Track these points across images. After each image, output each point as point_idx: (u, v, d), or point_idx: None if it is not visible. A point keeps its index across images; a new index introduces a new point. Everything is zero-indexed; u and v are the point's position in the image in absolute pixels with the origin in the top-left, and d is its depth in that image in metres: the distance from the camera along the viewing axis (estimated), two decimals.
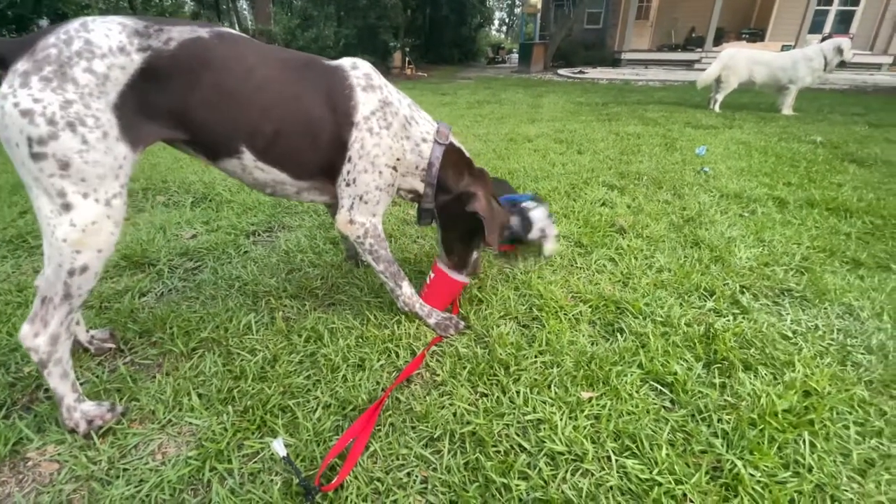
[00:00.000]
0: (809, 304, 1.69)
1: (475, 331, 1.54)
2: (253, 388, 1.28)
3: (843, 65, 5.65)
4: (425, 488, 1.02)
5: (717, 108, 6.32)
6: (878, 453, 1.10)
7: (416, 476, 1.04)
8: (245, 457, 1.09)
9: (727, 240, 2.17)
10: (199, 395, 1.26)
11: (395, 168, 1.43)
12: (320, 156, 1.34)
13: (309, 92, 1.28)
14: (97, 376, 1.33)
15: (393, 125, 1.38)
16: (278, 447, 1.00)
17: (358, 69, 1.37)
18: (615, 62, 17.51)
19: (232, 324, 1.56)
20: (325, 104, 1.30)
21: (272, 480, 1.03)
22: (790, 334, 1.50)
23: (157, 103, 1.11)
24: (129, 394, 1.27)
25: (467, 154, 1.59)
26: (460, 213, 1.50)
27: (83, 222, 1.03)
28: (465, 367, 1.37)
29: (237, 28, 19.20)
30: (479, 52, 25.83)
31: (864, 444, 1.12)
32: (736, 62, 6.05)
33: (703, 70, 6.33)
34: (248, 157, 1.28)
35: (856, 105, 7.11)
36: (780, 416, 1.17)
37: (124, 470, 1.06)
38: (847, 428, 1.16)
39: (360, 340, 1.49)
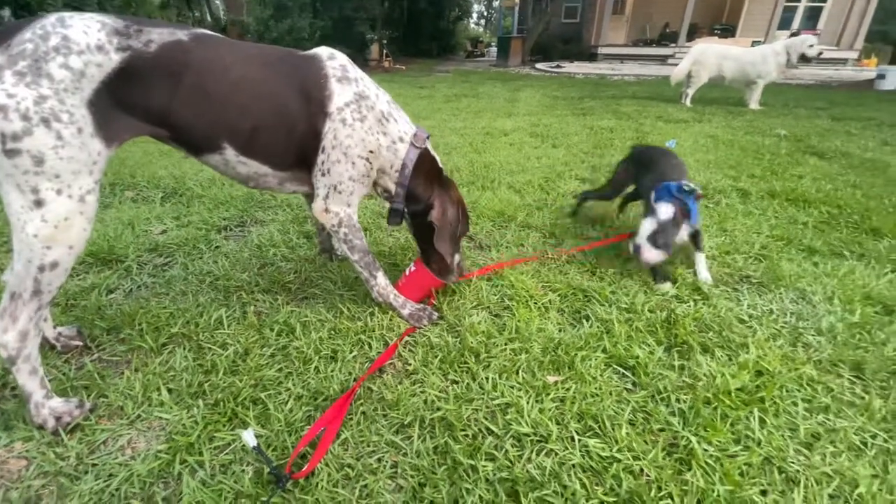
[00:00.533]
0: (766, 289, 1.78)
1: (448, 320, 1.57)
2: (224, 382, 1.28)
3: (806, 60, 5.86)
4: (395, 472, 1.05)
5: (688, 103, 6.49)
6: (823, 428, 1.18)
7: (387, 461, 1.07)
8: (216, 449, 1.10)
9: None
10: (169, 390, 1.26)
11: (368, 160, 1.44)
12: (298, 147, 1.36)
13: (285, 85, 1.30)
14: (64, 374, 1.31)
15: (368, 118, 1.39)
16: (248, 437, 1.01)
17: (335, 59, 1.38)
18: (592, 56, 17.73)
19: (203, 319, 1.55)
20: (300, 95, 1.31)
21: (243, 471, 1.04)
22: (746, 318, 1.58)
23: (134, 102, 1.11)
24: (97, 390, 1.26)
25: (440, 163, 1.61)
26: (429, 223, 1.54)
27: (55, 218, 1.02)
28: (436, 356, 1.39)
29: (209, 17, 18.65)
30: (458, 45, 25.74)
31: (811, 420, 1.20)
32: (706, 57, 6.21)
33: (677, 65, 6.47)
34: (229, 152, 1.30)
35: (820, 100, 7.40)
36: (733, 394, 1.24)
37: (93, 465, 1.06)
38: (795, 405, 1.23)
39: (333, 332, 1.50)
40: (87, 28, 1.03)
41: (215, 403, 1.21)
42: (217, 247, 2.13)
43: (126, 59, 1.07)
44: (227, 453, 1.09)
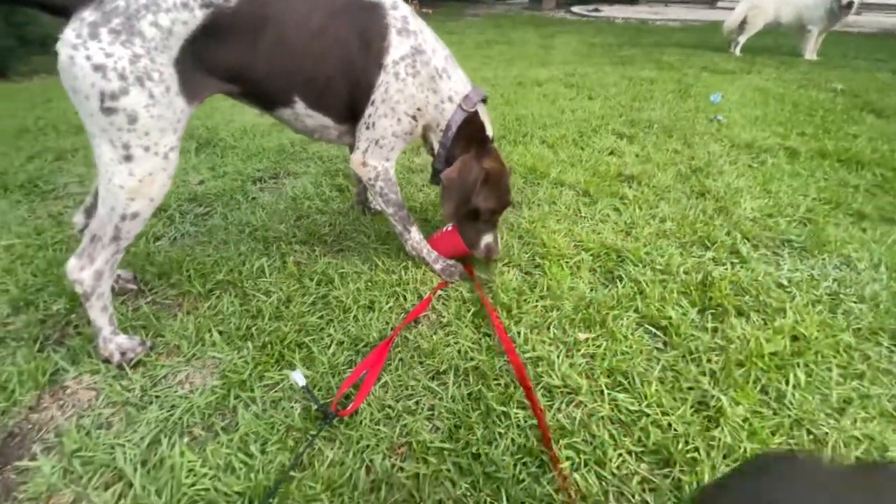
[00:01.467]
0: (808, 254, 1.72)
1: (479, 277, 1.60)
2: (270, 326, 1.36)
3: (846, 8, 5.25)
4: (432, 414, 1.12)
5: (737, 52, 6.02)
6: (857, 394, 1.18)
7: (424, 404, 1.14)
8: (266, 387, 1.19)
9: (734, 190, 2.17)
10: (220, 332, 1.35)
11: (413, 118, 1.42)
12: (355, 98, 1.36)
13: (351, 34, 1.28)
14: (122, 314, 1.41)
15: (420, 74, 1.36)
16: (297, 377, 1.09)
17: (397, 9, 1.34)
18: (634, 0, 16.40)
19: (245, 267, 1.62)
20: (362, 44, 1.29)
21: (292, 407, 1.13)
22: (785, 283, 1.55)
23: (216, 59, 1.14)
24: (154, 330, 1.36)
25: (489, 129, 1.52)
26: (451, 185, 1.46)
27: (141, 173, 1.08)
28: (469, 310, 1.43)
29: None
30: None
31: (845, 386, 1.20)
32: (764, 2, 5.68)
33: (727, 9, 5.96)
34: (300, 105, 1.33)
35: (882, 50, 6.73)
36: (766, 358, 1.24)
37: (156, 397, 1.16)
38: (830, 370, 1.23)
39: (370, 284, 1.55)
40: None
41: (263, 346, 1.29)
42: (253, 198, 2.18)
43: (209, 16, 1.08)
44: (276, 391, 1.17)
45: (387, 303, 1.47)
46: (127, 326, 1.36)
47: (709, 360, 1.25)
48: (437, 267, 1.61)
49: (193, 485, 0.95)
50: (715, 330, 1.36)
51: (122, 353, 1.22)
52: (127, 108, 1.02)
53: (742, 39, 6.00)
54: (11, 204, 2.11)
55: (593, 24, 10.20)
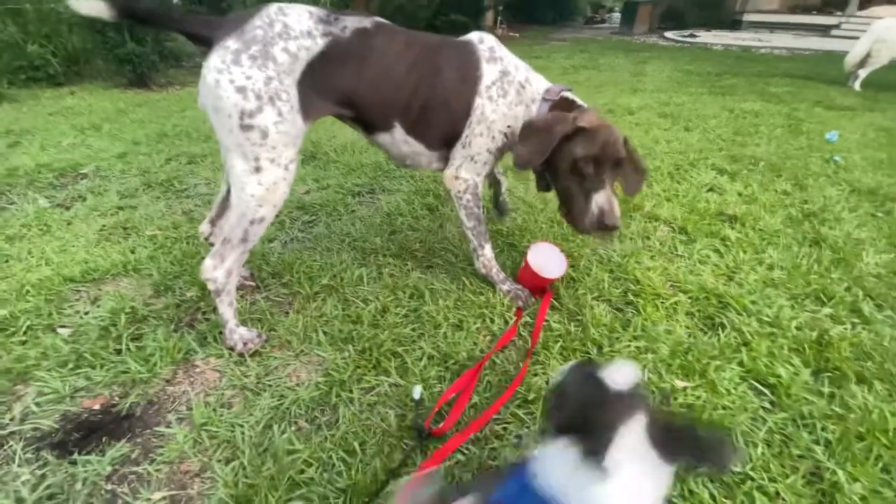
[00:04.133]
0: None
1: (567, 308, 1.60)
2: (368, 333, 1.46)
3: None
4: (519, 442, 1.13)
5: (857, 86, 5.46)
6: None
7: (512, 431, 1.16)
8: (363, 389, 1.28)
9: (854, 241, 1.98)
10: (325, 333, 1.47)
11: (506, 135, 1.51)
12: (452, 124, 1.47)
13: (446, 67, 1.41)
14: (242, 308, 1.59)
15: (510, 93, 1.47)
16: (416, 392, 1.18)
17: (484, 43, 1.47)
18: (734, 24, 15.46)
19: (347, 274, 1.75)
20: (458, 76, 1.42)
21: (387, 412, 1.20)
22: None
23: (329, 82, 1.28)
24: (268, 324, 1.51)
25: (581, 103, 1.51)
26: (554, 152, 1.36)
27: (268, 182, 1.23)
28: (556, 342, 1.44)
29: None
30: (577, 11, 24.02)
31: None
32: (892, 35, 5.13)
33: (842, 37, 5.45)
34: (398, 131, 1.46)
35: None
36: (891, 433, 1.12)
37: (269, 385, 1.29)
38: None
39: (458, 303, 1.61)
40: (300, 16, 1.21)
41: (362, 350, 1.39)
42: (353, 210, 2.35)
43: (328, 44, 1.23)
44: (372, 395, 1.26)
45: (474, 323, 1.52)
46: (245, 319, 1.53)
47: (823, 429, 1.15)
48: (504, 287, 1.65)
49: (301, 472, 1.04)
50: (832, 395, 1.24)
51: (245, 343, 1.37)
52: (261, 124, 1.16)
53: (863, 73, 5.44)
54: (153, 199, 2.45)
55: (688, 50, 9.76)
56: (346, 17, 1.29)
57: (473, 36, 1.50)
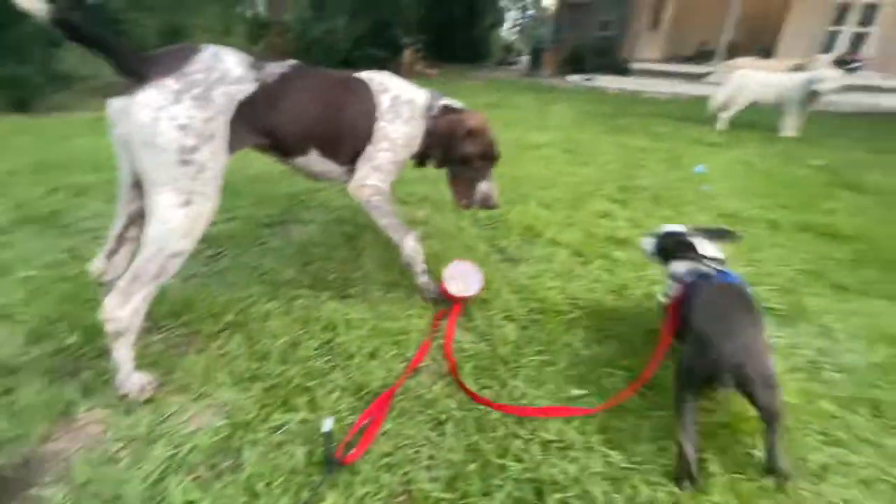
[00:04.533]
0: (790, 322, 1.82)
1: (479, 329, 1.67)
2: (276, 369, 1.41)
3: (822, 94, 5.73)
4: (431, 464, 1.15)
5: (723, 126, 6.44)
6: (836, 460, 1.23)
7: (423, 454, 1.18)
8: (271, 429, 1.23)
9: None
10: (228, 373, 1.39)
11: (406, 146, 1.74)
12: (359, 145, 1.69)
13: (351, 101, 1.65)
14: (134, 351, 1.46)
15: (403, 113, 1.71)
16: (326, 424, 1.17)
17: (375, 79, 1.72)
18: (625, 70, 17.58)
19: (254, 309, 1.69)
20: (360, 107, 1.66)
21: (295, 451, 1.16)
22: None
23: (256, 120, 1.39)
24: (164, 368, 1.40)
25: (457, 104, 1.83)
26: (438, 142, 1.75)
27: (195, 214, 1.24)
28: (469, 362, 1.50)
29: (250, 14, 19.22)
30: (490, 52, 25.84)
31: (824, 452, 1.25)
32: (747, 83, 6.18)
33: (713, 83, 6.46)
34: (313, 155, 1.64)
35: (860, 129, 7.22)
36: (749, 421, 1.30)
37: (163, 434, 1.20)
38: (808, 436, 1.29)
39: (373, 332, 1.62)
40: (236, 63, 1.30)
41: (269, 388, 1.34)
42: (263, 242, 2.28)
43: (257, 87, 1.34)
44: (280, 433, 1.21)
45: (389, 351, 1.53)
46: (139, 364, 1.40)
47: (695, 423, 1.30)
48: (420, 280, 1.81)
49: None
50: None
51: (141, 389, 1.27)
52: (199, 160, 1.21)
53: (727, 115, 6.45)
54: (31, 235, 2.19)
55: (588, 92, 10.90)
56: (270, 64, 1.41)
57: (365, 74, 1.73)
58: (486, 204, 1.79)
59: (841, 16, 16.11)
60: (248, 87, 1.33)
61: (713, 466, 1.15)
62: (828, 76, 5.65)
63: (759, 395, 1.12)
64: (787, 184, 3.76)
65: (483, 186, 1.78)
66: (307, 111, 1.54)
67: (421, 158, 1.86)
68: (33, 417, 1.19)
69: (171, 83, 1.17)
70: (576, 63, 17.90)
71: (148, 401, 1.28)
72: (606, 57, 18.27)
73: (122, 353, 1.25)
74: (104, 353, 1.46)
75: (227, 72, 1.27)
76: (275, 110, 1.44)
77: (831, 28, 15.96)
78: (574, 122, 6.36)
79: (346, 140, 1.66)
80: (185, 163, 1.19)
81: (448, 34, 20.92)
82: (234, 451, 1.17)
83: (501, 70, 20.03)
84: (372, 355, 1.51)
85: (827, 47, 16.20)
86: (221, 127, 1.27)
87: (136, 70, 1.16)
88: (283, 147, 1.58)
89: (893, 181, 4.06)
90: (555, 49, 17.19)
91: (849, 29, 16.42)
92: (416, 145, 1.78)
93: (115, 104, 1.18)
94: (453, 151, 1.73)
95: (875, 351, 1.65)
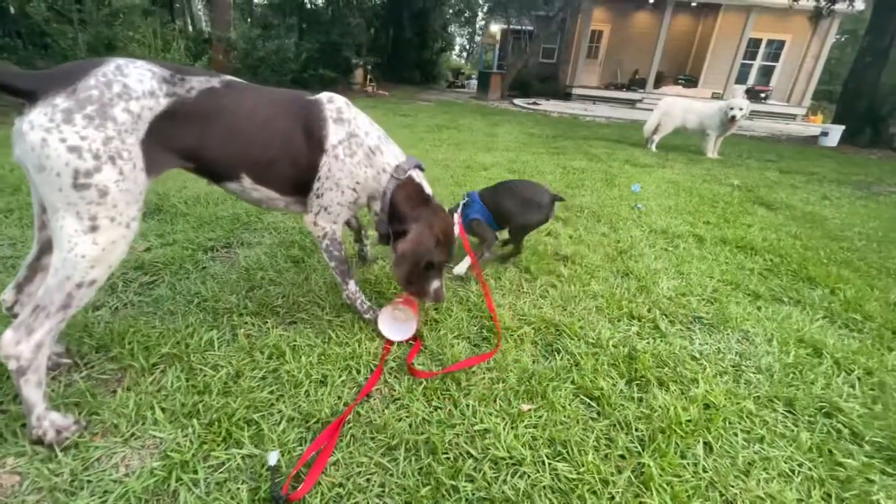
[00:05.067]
0: (715, 329, 1.98)
1: (431, 350, 1.68)
2: (217, 403, 1.34)
3: (733, 119, 6.39)
4: (383, 492, 1.13)
5: (653, 149, 6.98)
6: (759, 456, 1.34)
7: (375, 481, 1.16)
8: (211, 467, 1.16)
9: (653, 271, 2.47)
10: (163, 409, 1.31)
11: (355, 189, 1.63)
12: (301, 176, 1.57)
13: (293, 125, 1.50)
14: (53, 390, 1.34)
15: (357, 154, 1.59)
16: (272, 458, 1.12)
17: (332, 103, 1.58)
18: (566, 96, 18.65)
19: (193, 340, 1.60)
20: (305, 133, 1.52)
21: (238, 489, 1.10)
22: (697, 356, 1.77)
23: (175, 140, 1.27)
24: (88, 408, 1.29)
25: (426, 189, 1.74)
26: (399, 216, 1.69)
27: (105, 242, 1.14)
28: (420, 383, 1.50)
29: (192, 29, 18.58)
30: (440, 75, 26.52)
31: (749, 449, 1.36)
32: (673, 110, 6.78)
33: (644, 109, 7.01)
34: (246, 181, 1.50)
35: (771, 152, 8.07)
36: (683, 425, 1.39)
37: (88, 482, 1.10)
38: (736, 435, 1.40)
39: (322, 357, 1.59)
40: (142, 76, 1.19)
41: (210, 423, 1.27)
42: (204, 267, 2.18)
43: (171, 104, 1.23)
44: (222, 471, 1.15)
45: (339, 377, 1.50)
46: (59, 404, 1.29)
47: (636, 429, 1.38)
48: (367, 317, 1.81)
49: None
50: (640, 399, 1.51)
51: (58, 432, 1.15)
52: (99, 183, 1.10)
53: (656, 139, 7.00)
54: None
55: (532, 115, 11.41)
56: (193, 77, 1.29)
57: (323, 96, 1.59)
58: (438, 299, 1.75)
59: (752, 52, 18.13)
60: (159, 103, 1.21)
61: (654, 469, 1.22)
62: (740, 104, 6.30)
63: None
64: (709, 201, 4.11)
65: (436, 284, 1.73)
66: (238, 133, 1.39)
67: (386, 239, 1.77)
68: None
69: (60, 101, 1.07)
70: (521, 88, 18.77)
71: (69, 446, 1.17)
72: (549, 83, 19.32)
73: (31, 392, 1.13)
74: (15, 395, 1.33)
75: (129, 86, 1.15)
76: (198, 130, 1.31)
77: (744, 61, 17.87)
78: (519, 143, 6.63)
79: (285, 170, 1.52)
80: (81, 186, 1.08)
81: (399, 56, 21.32)
82: (171, 495, 1.09)
83: (451, 92, 20.55)
84: (321, 382, 1.48)
85: (741, 78, 18.14)
86: (130, 147, 1.15)
87: (24, 90, 1.07)
88: (210, 171, 1.45)
89: (798, 199, 4.57)
90: (501, 74, 17.92)
91: (758, 62, 18.47)
92: (365, 194, 1.67)
93: (16, 125, 1.08)
94: (418, 268, 1.65)
95: (787, 352, 1.83)
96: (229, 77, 1.43)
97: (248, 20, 13.60)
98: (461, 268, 2.13)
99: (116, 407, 1.30)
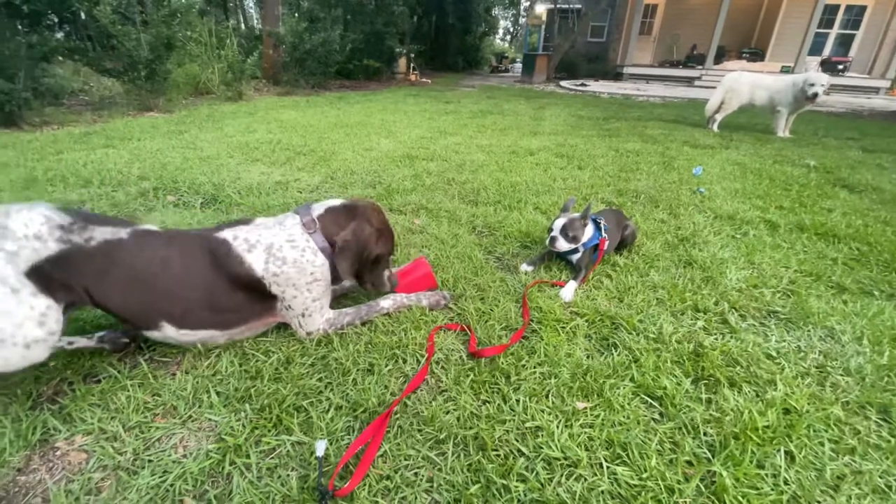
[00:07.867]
0: (794, 326, 1.79)
1: (479, 341, 1.63)
2: (268, 388, 1.35)
3: (814, 97, 5.73)
4: (431, 487, 1.10)
5: (715, 129, 6.47)
6: (850, 469, 1.19)
7: (423, 475, 1.12)
8: (262, 452, 1.17)
9: (719, 261, 2.27)
10: (218, 393, 1.34)
11: (318, 279, 1.54)
12: (244, 307, 1.48)
13: (210, 270, 1.41)
14: (119, 372, 1.41)
15: (287, 257, 1.47)
16: (320, 448, 1.11)
17: (237, 239, 1.46)
18: (617, 76, 17.72)
19: None
20: (226, 277, 1.42)
21: (289, 475, 1.11)
22: (774, 354, 1.60)
23: (69, 280, 1.25)
24: (151, 389, 1.35)
25: (338, 203, 1.63)
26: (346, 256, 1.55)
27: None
28: (468, 376, 1.45)
29: (244, 27, 19.29)
30: (483, 60, 26.05)
31: (838, 461, 1.21)
32: (739, 86, 6.23)
33: (703, 87, 6.51)
34: (169, 328, 1.39)
35: (851, 129, 7.27)
36: (760, 431, 1.26)
37: (149, 461, 1.14)
38: (822, 445, 1.25)
39: (369, 346, 1.57)
40: (30, 221, 1.21)
41: (261, 408, 1.28)
42: None
43: (64, 250, 1.23)
44: (272, 457, 1.16)
45: (386, 366, 1.48)
46: (125, 384, 1.35)
47: (705, 434, 1.26)
48: (424, 303, 1.80)
49: None
50: (709, 401, 1.38)
51: None
52: None
53: (719, 118, 6.48)
54: None
55: (581, 97, 10.94)
56: (99, 228, 1.29)
57: (227, 234, 1.46)
58: (394, 284, 1.76)
59: (828, 19, 16.39)
60: (47, 246, 1.21)
61: (727, 479, 1.10)
62: (821, 79, 5.69)
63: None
64: (782, 184, 3.75)
65: (387, 273, 1.72)
66: (148, 283, 1.34)
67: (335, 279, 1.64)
68: (9, 447, 1.13)
69: None
70: (568, 69, 18.06)
71: (132, 426, 1.22)
72: (598, 63, 18.44)
73: None
74: (87, 375, 1.41)
75: (8, 229, 1.18)
76: (97, 280, 1.27)
77: (819, 31, 16.19)
78: (567, 126, 6.36)
79: (214, 310, 1.43)
80: None
81: (441, 42, 21.11)
82: (225, 478, 1.11)
83: (495, 77, 20.15)
84: (368, 371, 1.46)
85: (815, 49, 16.44)
86: (7, 278, 1.16)
87: None
88: (121, 317, 1.37)
89: (886, 181, 4.07)
90: (547, 56, 17.31)
91: (835, 31, 16.70)
92: (327, 269, 1.56)
93: None
94: (367, 260, 1.60)
95: (881, 353, 1.62)
96: (146, 227, 1.40)
97: (296, 15, 13.86)
98: (569, 293, 1.91)
99: (176, 389, 1.35)
